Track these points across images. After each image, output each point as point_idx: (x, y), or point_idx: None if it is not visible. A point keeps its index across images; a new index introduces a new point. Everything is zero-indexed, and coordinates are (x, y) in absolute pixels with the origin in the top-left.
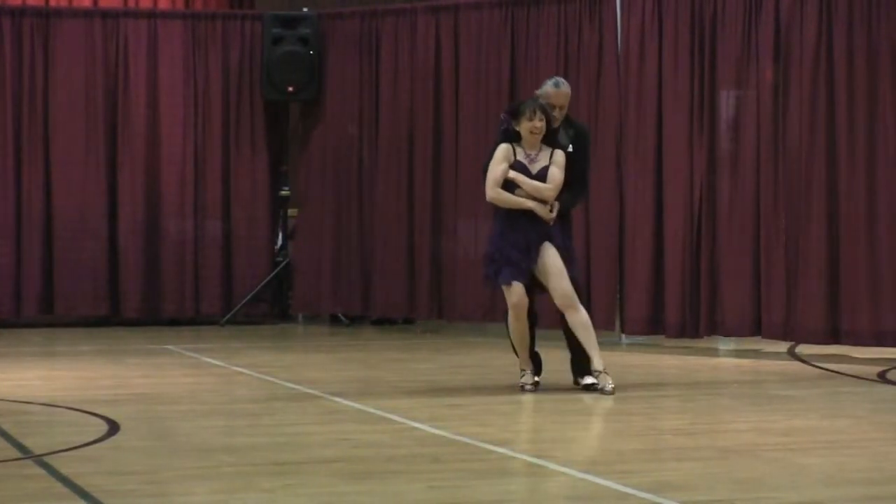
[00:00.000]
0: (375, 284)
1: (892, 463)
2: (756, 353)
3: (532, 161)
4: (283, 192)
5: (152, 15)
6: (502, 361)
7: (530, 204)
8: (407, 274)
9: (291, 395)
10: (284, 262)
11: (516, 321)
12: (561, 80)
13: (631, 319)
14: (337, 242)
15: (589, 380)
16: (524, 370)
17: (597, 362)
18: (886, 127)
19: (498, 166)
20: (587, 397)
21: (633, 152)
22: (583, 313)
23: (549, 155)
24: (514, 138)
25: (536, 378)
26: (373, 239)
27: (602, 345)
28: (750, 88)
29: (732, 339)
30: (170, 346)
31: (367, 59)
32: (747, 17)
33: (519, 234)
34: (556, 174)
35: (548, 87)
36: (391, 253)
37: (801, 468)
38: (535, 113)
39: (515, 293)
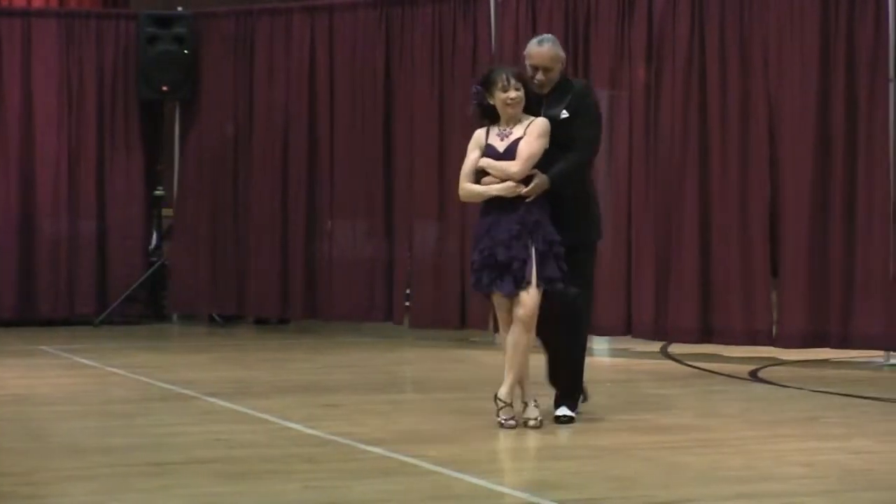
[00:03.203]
0: (250, 284)
1: (765, 461)
2: (629, 353)
3: (503, 138)
4: (158, 192)
5: (26, 14)
6: (377, 361)
7: (493, 189)
8: (282, 274)
9: (167, 396)
10: (159, 263)
11: (526, 333)
12: (547, 36)
13: None
14: (212, 242)
15: (562, 410)
16: (505, 403)
17: (505, 392)
18: (759, 127)
19: (468, 158)
20: (460, 396)
21: None
22: (529, 337)
23: (525, 125)
24: (490, 114)
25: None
26: (248, 239)
27: (477, 345)
28: (623, 88)
29: (605, 338)
30: (44, 347)
31: (242, 58)
32: (620, 18)
33: (498, 229)
34: (528, 145)
35: (530, 45)
36: (266, 253)
37: (675, 466)
38: (508, 82)
39: (500, 305)
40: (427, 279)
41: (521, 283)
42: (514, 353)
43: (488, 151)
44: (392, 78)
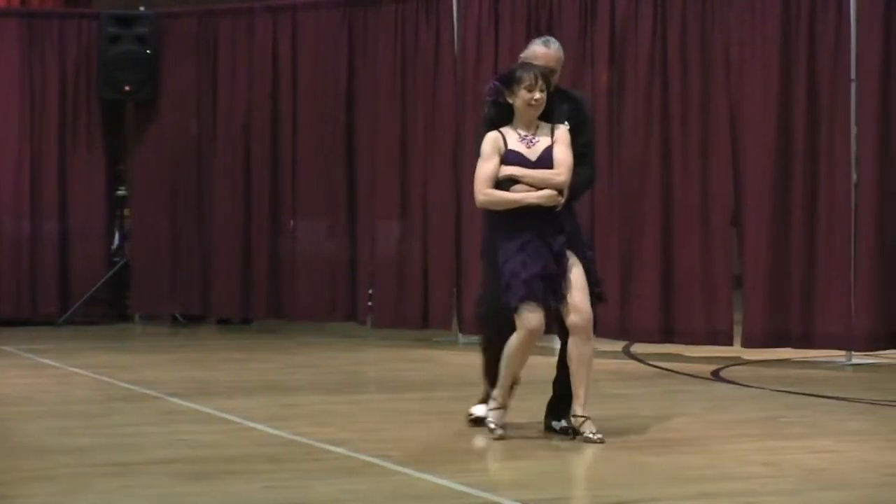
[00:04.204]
0: (213, 285)
1: (726, 460)
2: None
3: (530, 144)
4: (120, 192)
5: None
6: (340, 361)
7: (532, 197)
8: (244, 274)
9: (129, 396)
10: (122, 263)
11: (524, 351)
12: (551, 38)
13: (468, 319)
14: (174, 243)
15: (564, 422)
16: (501, 406)
17: (581, 406)
18: (720, 129)
19: (487, 163)
20: (423, 396)
21: (472, 153)
22: (592, 346)
23: (549, 132)
24: (502, 117)
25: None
26: (210, 239)
27: (440, 344)
28: (585, 90)
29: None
30: (6, 347)
31: (204, 58)
32: (583, 20)
33: (533, 239)
34: (565, 153)
35: (536, 46)
36: (228, 253)
37: (637, 466)
38: (535, 81)
39: (535, 318)
40: (390, 279)
41: (561, 293)
42: (586, 369)
43: (513, 158)
44: (355, 78)
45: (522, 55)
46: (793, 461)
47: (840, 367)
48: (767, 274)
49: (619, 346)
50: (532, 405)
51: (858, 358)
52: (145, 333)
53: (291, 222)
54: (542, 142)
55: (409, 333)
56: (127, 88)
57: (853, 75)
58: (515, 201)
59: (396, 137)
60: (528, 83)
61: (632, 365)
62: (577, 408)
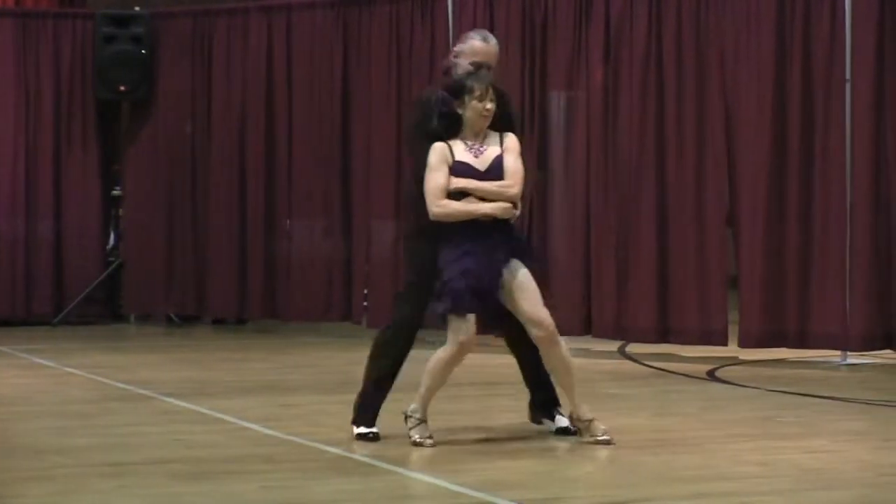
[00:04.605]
0: (208, 285)
1: (721, 460)
2: (587, 352)
3: (478, 153)
4: (116, 192)
5: None
6: (335, 361)
7: (487, 207)
8: (240, 274)
9: (124, 396)
10: (117, 263)
11: (451, 365)
12: (489, 34)
13: None
14: (169, 243)
15: (563, 422)
16: (421, 420)
17: (585, 410)
18: (715, 129)
19: (437, 173)
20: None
21: None
22: (565, 348)
23: (497, 140)
24: (450, 128)
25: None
26: (206, 239)
27: (433, 344)
28: (580, 90)
29: (564, 338)
30: (1, 347)
31: (199, 58)
32: (578, 19)
33: (480, 250)
34: (516, 163)
35: (474, 41)
36: (224, 253)
37: (632, 466)
38: (487, 91)
39: (468, 329)
40: (385, 279)
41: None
42: (566, 375)
43: (461, 169)
44: (349, 78)
45: (458, 48)
46: (788, 461)
47: (836, 367)
48: (763, 273)
49: (614, 345)
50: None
51: (854, 358)
52: (141, 333)
53: (287, 222)
54: (491, 150)
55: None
56: (122, 88)
57: (848, 75)
58: (470, 213)
59: (391, 137)
60: (479, 93)
61: (627, 365)
62: (585, 411)
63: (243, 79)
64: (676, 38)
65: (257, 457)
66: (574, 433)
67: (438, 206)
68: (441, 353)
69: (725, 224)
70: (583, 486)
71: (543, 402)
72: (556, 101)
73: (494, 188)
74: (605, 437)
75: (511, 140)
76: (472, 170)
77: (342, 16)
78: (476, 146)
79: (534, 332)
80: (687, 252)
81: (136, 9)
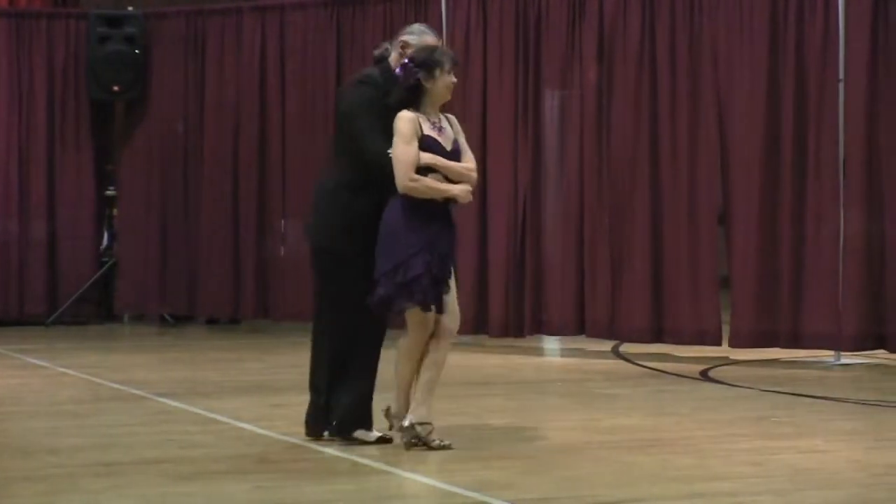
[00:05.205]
0: (202, 285)
1: (715, 460)
2: (581, 352)
3: (440, 132)
4: (110, 192)
5: None
6: None
7: (456, 189)
8: (232, 274)
9: (117, 396)
10: (111, 263)
11: (419, 352)
12: (430, 28)
13: None
14: (163, 242)
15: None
16: (431, 424)
17: (429, 411)
18: (708, 129)
19: (410, 146)
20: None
21: None
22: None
23: (447, 121)
24: (410, 101)
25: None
26: (198, 239)
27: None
28: (574, 88)
29: (557, 338)
30: None
31: (192, 58)
32: (571, 18)
33: (435, 237)
34: (467, 149)
35: (427, 35)
36: (217, 253)
37: (626, 466)
38: (453, 66)
39: (433, 319)
40: None
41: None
42: (437, 373)
43: (430, 144)
44: (343, 78)
45: (411, 40)
46: (781, 461)
47: (828, 367)
48: (756, 274)
49: (608, 345)
50: (521, 405)
51: (847, 358)
52: (134, 333)
53: (282, 222)
54: (446, 129)
55: (396, 333)
56: (116, 88)
57: (841, 75)
58: (440, 192)
59: None
60: (449, 66)
61: (620, 365)
62: (425, 412)
63: (237, 79)
64: (670, 37)
65: (250, 457)
66: (414, 441)
67: (412, 179)
68: (410, 342)
69: (718, 224)
70: (576, 485)
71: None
72: (550, 99)
73: (462, 169)
74: (445, 443)
75: (456, 122)
76: (440, 147)
77: (335, 15)
78: (438, 123)
79: (449, 322)
80: (680, 252)
81: (130, 9)
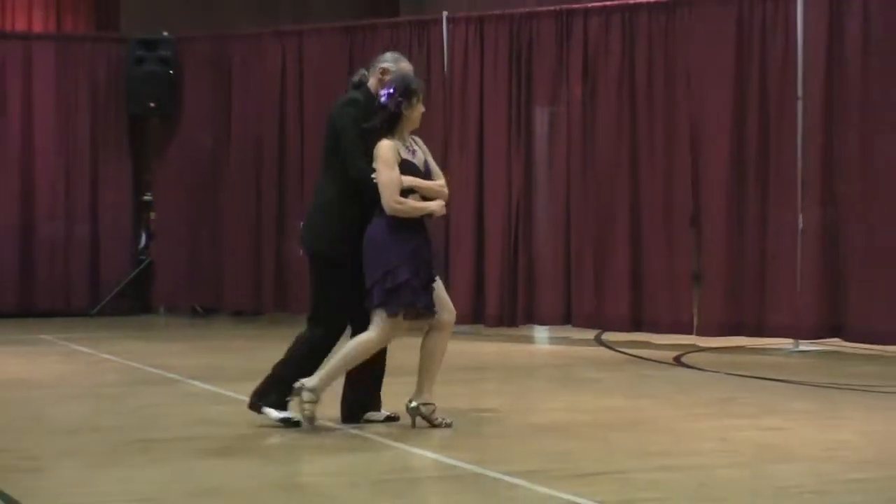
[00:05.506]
0: (228, 280)
1: (687, 437)
2: (567, 340)
3: (413, 155)
4: (146, 198)
5: (26, 37)
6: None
7: (433, 205)
8: (255, 271)
9: (153, 379)
10: (147, 261)
11: (368, 356)
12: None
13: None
14: (194, 243)
15: (384, 412)
16: (317, 400)
17: (431, 394)
18: (681, 141)
19: (393, 171)
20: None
21: (458, 162)
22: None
23: (416, 143)
24: (392, 126)
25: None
26: (225, 240)
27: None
28: (562, 104)
29: (546, 327)
30: (44, 336)
31: (220, 77)
32: (559, 41)
33: (418, 248)
34: (435, 165)
35: (402, 62)
36: (241, 252)
37: (608, 442)
38: (423, 96)
39: (402, 324)
40: None
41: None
42: (440, 359)
43: (408, 167)
44: None
45: (391, 67)
46: (745, 438)
47: (788, 353)
48: (723, 270)
49: (592, 334)
50: (514, 389)
51: (805, 345)
52: (168, 324)
53: (300, 223)
54: (419, 152)
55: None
56: (151, 105)
57: (799, 93)
58: (421, 210)
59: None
60: (421, 95)
61: (603, 352)
62: (428, 395)
63: (259, 96)
64: (647, 58)
65: (272, 434)
66: (396, 419)
67: (399, 202)
68: (371, 341)
69: (690, 226)
70: (563, 459)
71: (363, 402)
72: (540, 115)
73: (437, 187)
74: (447, 422)
75: (423, 144)
76: (416, 168)
77: (348, 39)
78: (411, 146)
79: (446, 316)
80: (657, 251)
81: (164, 34)
